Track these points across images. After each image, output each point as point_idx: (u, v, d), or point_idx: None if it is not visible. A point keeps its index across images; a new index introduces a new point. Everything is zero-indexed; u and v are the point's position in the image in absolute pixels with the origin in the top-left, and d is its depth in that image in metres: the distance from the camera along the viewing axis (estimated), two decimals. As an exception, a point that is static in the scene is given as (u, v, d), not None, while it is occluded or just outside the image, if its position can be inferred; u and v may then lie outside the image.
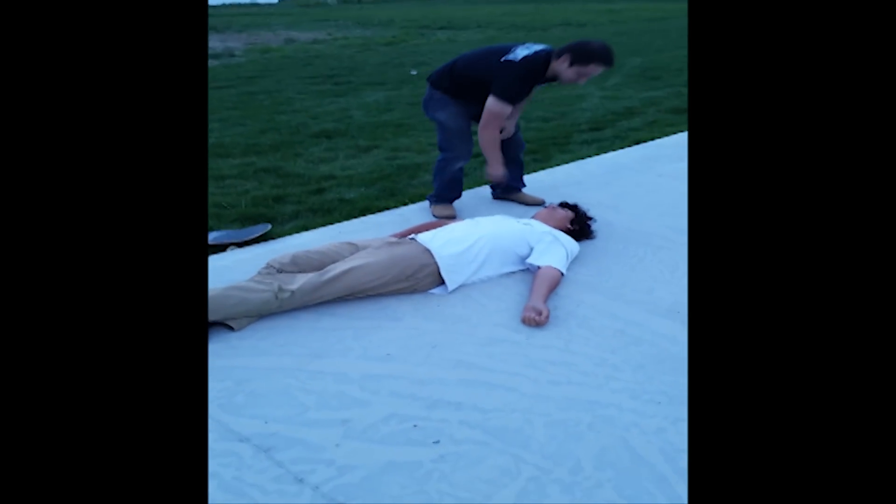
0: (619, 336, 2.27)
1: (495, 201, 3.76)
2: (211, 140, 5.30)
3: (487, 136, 3.25)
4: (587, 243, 3.04)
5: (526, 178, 4.10)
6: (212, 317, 2.26)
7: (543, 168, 4.41)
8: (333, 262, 2.59)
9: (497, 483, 1.63)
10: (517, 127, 3.60)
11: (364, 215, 3.54)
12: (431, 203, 3.61)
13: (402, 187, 4.04)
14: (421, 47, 12.77)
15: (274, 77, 9.11)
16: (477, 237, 2.71)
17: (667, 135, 5.26)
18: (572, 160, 4.58)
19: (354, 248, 2.69)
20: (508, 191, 3.74)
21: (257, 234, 3.16)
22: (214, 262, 2.93)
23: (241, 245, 3.11)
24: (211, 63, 10.61)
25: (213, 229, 3.33)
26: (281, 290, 2.38)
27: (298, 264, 2.58)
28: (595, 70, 3.09)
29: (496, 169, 3.35)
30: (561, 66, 3.10)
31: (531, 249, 2.76)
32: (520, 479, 1.64)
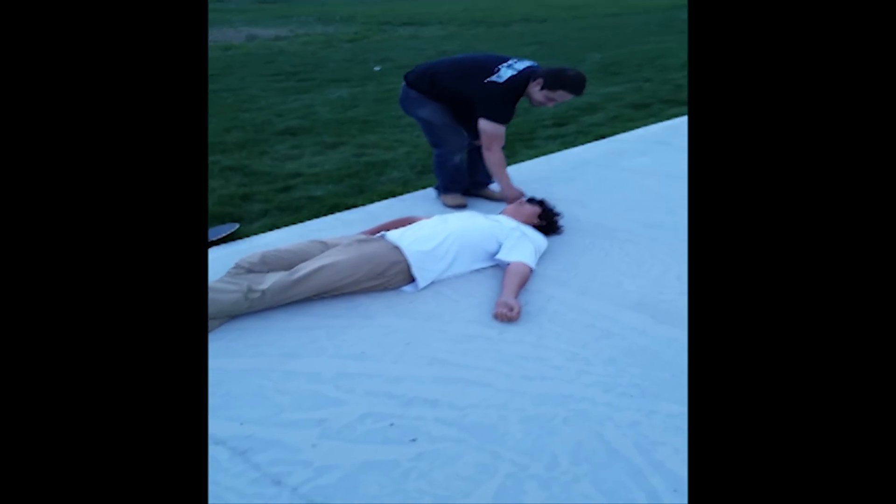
0: (590, 330, 2.28)
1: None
2: (175, 138, 5.19)
3: (493, 159, 3.30)
4: (555, 238, 3.04)
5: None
6: None
7: (509, 164, 4.39)
8: (303, 261, 2.55)
9: (475, 480, 1.62)
10: None
11: (333, 213, 3.50)
12: (440, 194, 3.64)
13: (371, 184, 4.01)
14: (384, 43, 12.68)
15: (237, 75, 8.97)
16: (446, 234, 2.70)
17: (628, 130, 5.30)
18: (537, 156, 4.59)
19: (324, 247, 2.65)
20: (476, 186, 3.73)
21: (225, 234, 3.10)
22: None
23: (208, 245, 3.05)
24: (172, 60, 10.41)
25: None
26: (251, 290, 2.34)
27: (268, 264, 2.54)
28: (563, 97, 3.18)
29: (510, 191, 3.38)
30: (534, 89, 3.17)
31: (500, 245, 2.76)
32: (497, 476, 1.63)
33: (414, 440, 1.76)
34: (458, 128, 3.46)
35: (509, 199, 3.37)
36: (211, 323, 2.28)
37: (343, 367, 2.08)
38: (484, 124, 3.21)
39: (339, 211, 3.50)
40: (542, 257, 2.83)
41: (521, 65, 3.26)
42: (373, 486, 1.60)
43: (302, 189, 3.95)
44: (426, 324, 2.33)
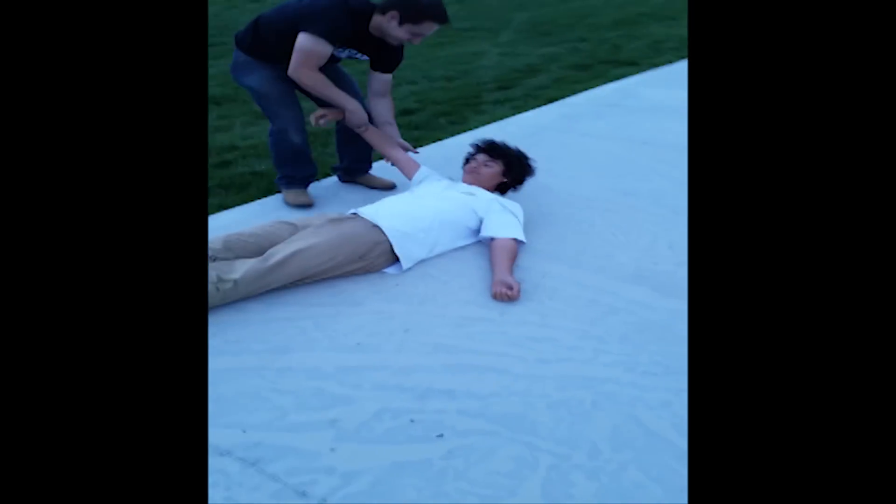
0: (593, 306, 2.27)
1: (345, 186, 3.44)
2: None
3: (308, 77, 2.82)
4: (534, 209, 3.00)
5: (445, 142, 4.04)
6: None
7: (462, 131, 4.34)
8: (272, 244, 2.42)
9: (517, 475, 1.58)
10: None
11: (284, 190, 3.35)
12: (282, 188, 3.17)
13: (318, 156, 3.86)
14: (292, 2, 12.30)
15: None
16: (424, 211, 2.62)
17: (575, 92, 5.32)
18: (489, 121, 4.55)
19: (293, 228, 2.53)
20: (352, 173, 3.41)
21: (173, 217, 2.92)
22: (128, 250, 2.69)
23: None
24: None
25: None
26: (221, 280, 2.20)
27: (233, 249, 2.40)
28: (429, 28, 2.78)
29: (352, 106, 2.94)
30: (389, 24, 2.77)
31: (480, 220, 2.70)
32: (540, 469, 1.59)
33: (440, 436, 1.70)
34: (294, 97, 3.04)
35: (353, 118, 2.98)
36: None
37: (342, 359, 1.99)
38: (301, 38, 2.72)
39: (292, 187, 3.35)
40: (526, 229, 2.79)
41: None
42: (409, 490, 1.53)
43: (242, 164, 3.78)
44: (421, 308, 2.27)
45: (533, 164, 3.02)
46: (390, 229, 2.49)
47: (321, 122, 2.98)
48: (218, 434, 1.69)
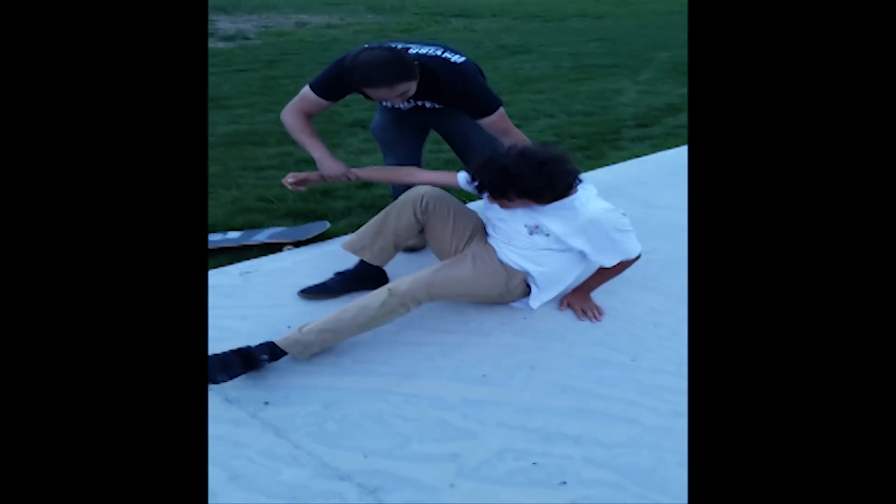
0: (733, 360, 2.07)
1: None
2: (243, 126, 5.09)
3: (288, 120, 2.62)
4: (673, 251, 2.82)
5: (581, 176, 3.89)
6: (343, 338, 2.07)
7: (598, 166, 4.20)
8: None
9: (644, 537, 1.43)
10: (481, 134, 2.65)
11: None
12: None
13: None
14: (439, 35, 12.49)
15: (294, 62, 8.85)
16: (561, 273, 2.38)
17: (718, 133, 5.04)
18: (627, 158, 4.37)
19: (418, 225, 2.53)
20: None
21: (316, 234, 2.95)
22: (272, 262, 2.73)
23: (297, 245, 2.90)
24: (227, 45, 10.35)
25: (263, 226, 3.13)
26: (391, 294, 2.06)
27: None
28: (377, 93, 2.38)
29: (318, 153, 2.64)
30: None
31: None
32: (669, 533, 1.44)
33: (564, 483, 1.58)
34: (403, 145, 2.83)
35: (326, 170, 2.66)
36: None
37: (467, 391, 1.91)
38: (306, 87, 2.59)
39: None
40: (664, 271, 2.62)
41: (426, 49, 2.51)
42: (529, 540, 1.42)
43: (383, 187, 3.79)
44: (548, 344, 2.15)
45: (560, 164, 2.15)
46: (539, 274, 2.31)
47: (291, 187, 2.63)
48: (340, 457, 1.65)
